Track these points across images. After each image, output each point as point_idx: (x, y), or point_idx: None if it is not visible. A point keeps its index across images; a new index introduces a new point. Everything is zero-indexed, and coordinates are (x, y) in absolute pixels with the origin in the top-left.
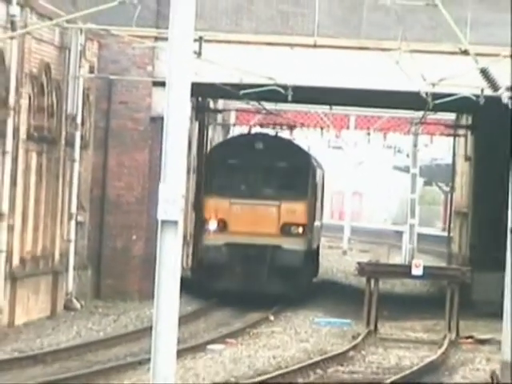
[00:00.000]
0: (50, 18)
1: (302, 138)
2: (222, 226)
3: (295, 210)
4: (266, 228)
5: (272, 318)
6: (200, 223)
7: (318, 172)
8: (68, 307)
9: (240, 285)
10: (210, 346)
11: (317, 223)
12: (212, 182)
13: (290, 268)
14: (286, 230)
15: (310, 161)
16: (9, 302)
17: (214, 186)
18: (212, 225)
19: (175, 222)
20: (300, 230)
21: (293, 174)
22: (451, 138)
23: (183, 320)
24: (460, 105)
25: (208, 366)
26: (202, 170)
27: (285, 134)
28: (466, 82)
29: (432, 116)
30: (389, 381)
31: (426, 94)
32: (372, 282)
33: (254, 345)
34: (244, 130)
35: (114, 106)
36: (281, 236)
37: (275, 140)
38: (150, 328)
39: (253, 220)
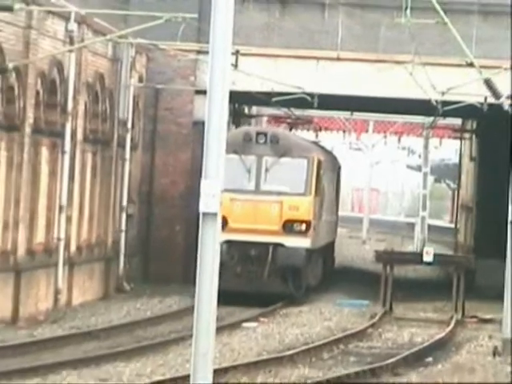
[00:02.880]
0: (104, 34)
1: (327, 140)
2: (222, 222)
3: (298, 206)
4: (267, 225)
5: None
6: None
7: (328, 166)
8: (119, 290)
9: (240, 284)
10: (244, 324)
11: (327, 219)
12: None
13: (292, 267)
14: (288, 227)
15: (315, 154)
16: (67, 285)
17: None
18: None
19: (215, 214)
20: (303, 227)
21: (296, 168)
22: (458, 141)
23: (221, 301)
24: (466, 111)
25: (243, 342)
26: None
27: (311, 136)
28: (471, 91)
29: (441, 121)
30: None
31: (436, 101)
32: (388, 267)
33: (284, 323)
34: None
35: (160, 112)
36: (283, 233)
37: (278, 134)
38: (192, 308)
39: (254, 217)
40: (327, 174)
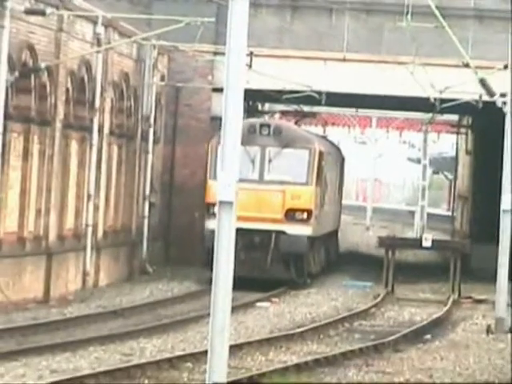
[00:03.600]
0: (129, 36)
1: (333, 134)
2: None
3: (300, 195)
4: (270, 213)
5: (309, 281)
6: (204, 208)
7: (331, 157)
8: (142, 272)
9: (243, 270)
10: (258, 304)
11: (329, 208)
12: (216, 167)
13: (294, 254)
14: (290, 215)
15: (317, 146)
16: (94, 268)
17: (218, 171)
18: (216, 210)
19: (231, 203)
20: (305, 215)
21: (298, 158)
22: (455, 136)
23: (236, 282)
24: (462, 108)
25: (256, 320)
26: (208, 156)
27: (319, 130)
28: (467, 89)
29: (439, 117)
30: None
31: (435, 99)
32: (389, 252)
33: (294, 303)
34: None
35: (180, 108)
36: (285, 222)
37: (280, 126)
38: (209, 289)
39: (257, 205)
40: (329, 164)
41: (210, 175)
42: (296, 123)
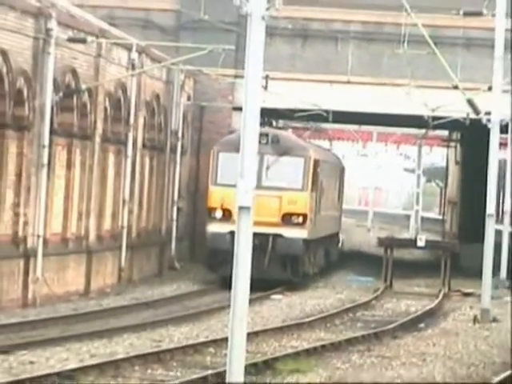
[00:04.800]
0: (160, 61)
1: (339, 148)
2: (227, 215)
3: (296, 200)
4: (267, 217)
5: (319, 277)
6: (206, 212)
7: (328, 165)
8: (171, 268)
9: None
10: (272, 296)
11: (326, 213)
12: (218, 174)
13: (290, 255)
14: (286, 219)
15: (313, 154)
16: (128, 264)
17: (219, 177)
18: (218, 214)
19: (249, 208)
20: (300, 219)
21: (294, 166)
22: (445, 148)
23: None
24: (452, 125)
25: (271, 310)
26: (210, 163)
27: (325, 144)
28: (456, 108)
29: (432, 133)
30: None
31: (428, 117)
32: (388, 251)
33: (304, 296)
34: None
35: (204, 125)
36: (282, 225)
37: (278, 135)
38: (230, 283)
39: (255, 210)
40: (326, 172)
41: (211, 181)
42: (300, 136)
